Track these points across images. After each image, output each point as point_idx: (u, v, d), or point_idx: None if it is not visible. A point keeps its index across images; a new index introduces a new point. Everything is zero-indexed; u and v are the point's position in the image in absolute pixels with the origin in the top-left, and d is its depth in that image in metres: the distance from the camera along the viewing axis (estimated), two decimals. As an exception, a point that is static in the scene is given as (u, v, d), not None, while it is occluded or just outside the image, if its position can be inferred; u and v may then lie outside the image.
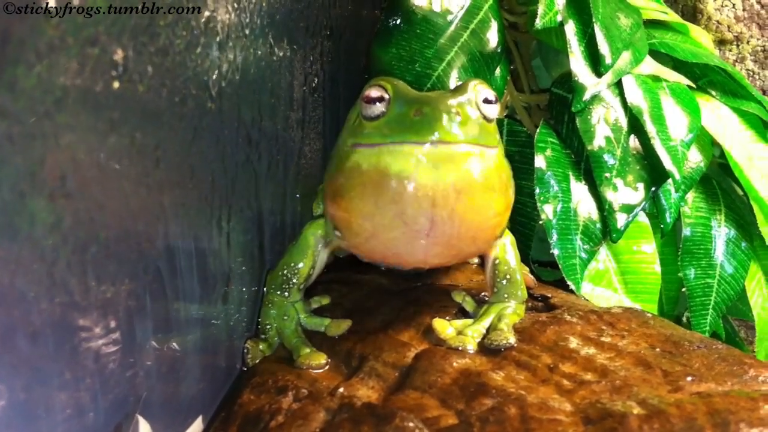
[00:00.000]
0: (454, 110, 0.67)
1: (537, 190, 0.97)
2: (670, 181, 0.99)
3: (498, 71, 1.03)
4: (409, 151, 0.67)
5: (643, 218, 1.02)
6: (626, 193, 0.98)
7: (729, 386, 0.61)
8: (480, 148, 0.68)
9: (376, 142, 0.70)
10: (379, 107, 0.71)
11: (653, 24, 1.15)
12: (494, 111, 0.72)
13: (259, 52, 0.74)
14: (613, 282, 1.00)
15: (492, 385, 0.63)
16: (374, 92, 0.71)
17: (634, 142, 1.01)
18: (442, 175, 0.67)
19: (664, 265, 1.04)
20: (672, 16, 1.19)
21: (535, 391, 0.62)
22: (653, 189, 1.00)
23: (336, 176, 0.74)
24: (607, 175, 0.98)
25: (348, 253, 0.86)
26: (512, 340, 0.71)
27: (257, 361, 0.75)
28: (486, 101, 0.71)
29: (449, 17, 1.01)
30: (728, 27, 1.43)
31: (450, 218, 0.69)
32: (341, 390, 0.66)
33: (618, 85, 1.00)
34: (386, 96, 0.71)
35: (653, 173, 1.00)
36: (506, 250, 0.81)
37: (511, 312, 0.77)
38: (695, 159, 1.04)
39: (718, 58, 1.18)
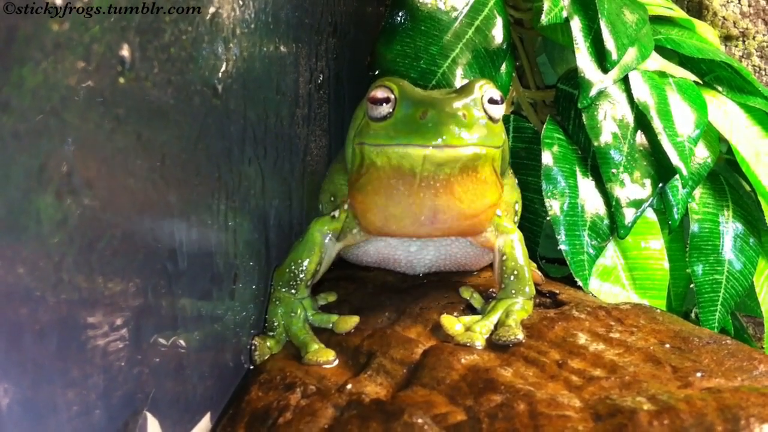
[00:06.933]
0: (460, 113, 0.68)
1: (544, 186, 0.97)
2: (677, 177, 0.99)
3: (503, 68, 1.02)
4: (415, 153, 0.69)
5: (650, 214, 1.01)
6: (633, 189, 0.98)
7: (739, 382, 0.61)
8: (484, 149, 0.70)
9: (383, 143, 0.71)
10: (385, 108, 0.71)
11: (659, 20, 1.15)
12: (500, 111, 0.73)
13: (265, 49, 0.74)
14: (621, 278, 0.99)
15: (500, 381, 0.63)
16: (380, 93, 0.72)
17: (640, 138, 1.01)
18: (447, 175, 0.70)
19: (672, 261, 1.03)
20: (678, 12, 1.19)
21: (543, 387, 0.62)
22: (660, 185, 1.00)
23: (352, 173, 0.78)
24: (614, 171, 0.97)
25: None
26: (520, 336, 0.71)
27: (265, 358, 0.75)
28: (491, 101, 0.72)
29: (454, 14, 1.00)
30: (734, 23, 1.42)
31: (452, 210, 0.74)
32: (349, 386, 0.66)
33: (624, 81, 1.00)
34: (392, 97, 0.71)
35: (660, 169, 1.00)
36: (514, 247, 0.81)
37: (519, 308, 0.77)
38: (702, 155, 1.03)
39: (724, 53, 1.17)
